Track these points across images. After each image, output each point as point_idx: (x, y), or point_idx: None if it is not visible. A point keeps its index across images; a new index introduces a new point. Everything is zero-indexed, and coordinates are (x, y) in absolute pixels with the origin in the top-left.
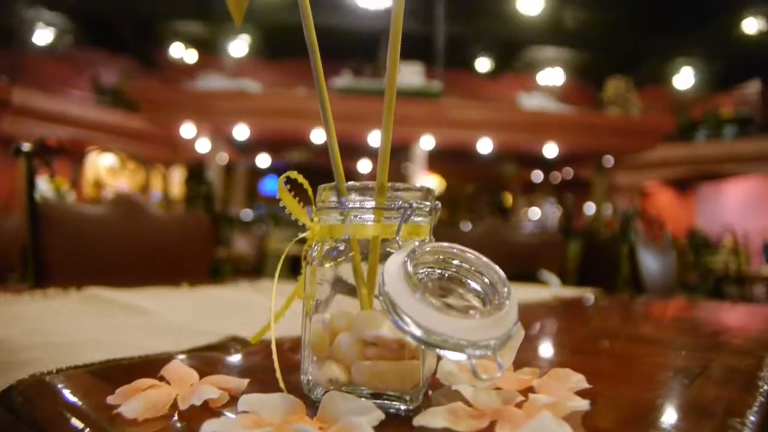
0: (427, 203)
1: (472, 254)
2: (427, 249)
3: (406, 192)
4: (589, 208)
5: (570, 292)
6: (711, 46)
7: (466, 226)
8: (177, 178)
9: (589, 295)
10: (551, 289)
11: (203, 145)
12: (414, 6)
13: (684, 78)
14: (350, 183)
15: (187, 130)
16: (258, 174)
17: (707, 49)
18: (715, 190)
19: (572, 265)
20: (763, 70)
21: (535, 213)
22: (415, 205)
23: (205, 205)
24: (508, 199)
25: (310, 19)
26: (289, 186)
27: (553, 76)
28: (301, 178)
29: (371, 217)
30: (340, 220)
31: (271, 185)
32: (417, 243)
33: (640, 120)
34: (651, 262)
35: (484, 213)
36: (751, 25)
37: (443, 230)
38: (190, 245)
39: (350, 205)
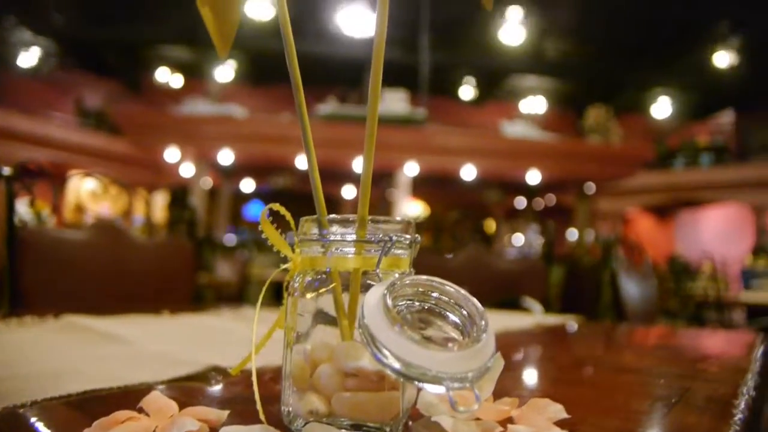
0: (407, 236)
1: (450, 287)
2: (407, 282)
3: (387, 225)
4: (572, 234)
5: (552, 319)
6: (686, 77)
7: (450, 254)
8: (160, 202)
9: (571, 322)
10: (534, 316)
11: (187, 170)
12: (399, 35)
13: (661, 107)
14: (332, 216)
15: (172, 154)
16: (242, 199)
17: (682, 80)
18: (694, 217)
19: (555, 292)
20: (736, 100)
21: (518, 239)
22: (395, 238)
23: (188, 230)
24: (492, 225)
25: (293, 48)
26: (271, 218)
27: (535, 105)
28: (283, 210)
29: (352, 249)
30: (321, 252)
31: (255, 210)
32: (397, 275)
33: (621, 148)
34: (632, 289)
35: (467, 240)
36: (721, 59)
37: (427, 257)
38: (172, 271)
39: (331, 238)
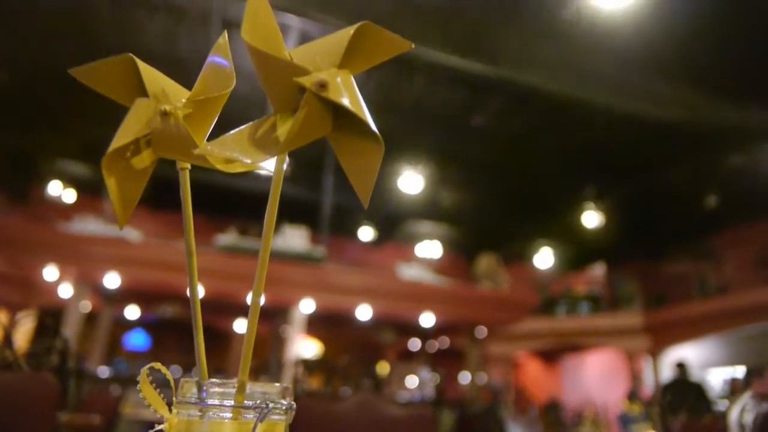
0: (284, 402)
1: None
2: None
3: (265, 390)
4: (465, 377)
5: None
6: (562, 232)
7: (341, 399)
8: (26, 326)
9: None
10: None
11: (65, 291)
12: (304, 173)
13: (544, 258)
14: (212, 380)
15: (50, 273)
16: (124, 326)
17: (560, 235)
18: (577, 362)
19: None
20: (606, 254)
21: (412, 381)
22: (271, 405)
23: (56, 362)
24: (385, 368)
25: (188, 196)
26: (151, 377)
27: (431, 249)
28: (164, 370)
29: (229, 414)
30: (198, 416)
31: (137, 339)
32: None
33: (509, 294)
34: None
35: (358, 384)
36: (590, 219)
37: (317, 403)
38: (29, 412)
39: (210, 402)
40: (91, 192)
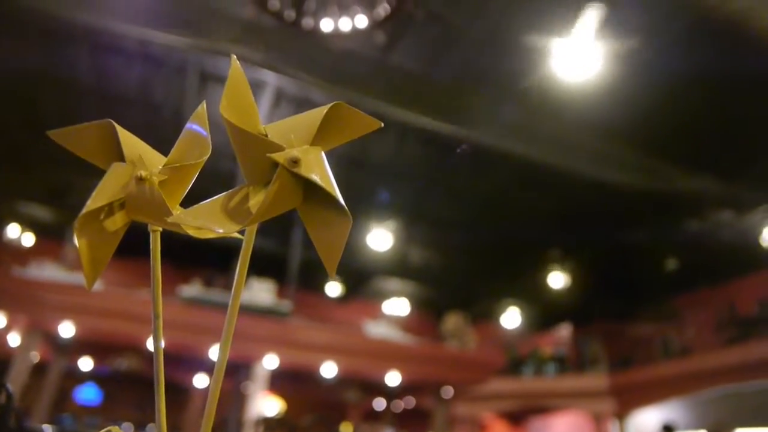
0: None
1: None
2: None
3: None
4: None
5: None
6: (529, 292)
7: None
8: None
9: None
10: None
11: (13, 340)
12: (272, 226)
13: (511, 317)
14: None
15: None
16: (75, 379)
17: (527, 295)
18: (544, 424)
19: None
20: (572, 315)
21: None
22: None
23: None
24: (348, 428)
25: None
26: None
27: (398, 306)
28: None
29: None
30: None
31: (87, 393)
32: None
33: (476, 354)
34: None
35: None
36: (556, 279)
37: None
38: None
39: None
40: (50, 236)
